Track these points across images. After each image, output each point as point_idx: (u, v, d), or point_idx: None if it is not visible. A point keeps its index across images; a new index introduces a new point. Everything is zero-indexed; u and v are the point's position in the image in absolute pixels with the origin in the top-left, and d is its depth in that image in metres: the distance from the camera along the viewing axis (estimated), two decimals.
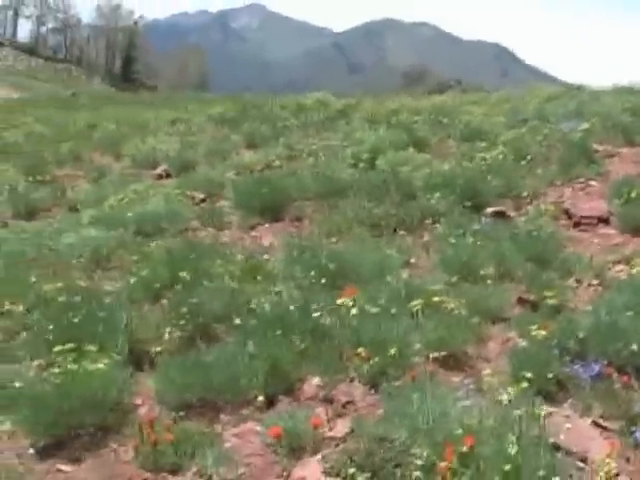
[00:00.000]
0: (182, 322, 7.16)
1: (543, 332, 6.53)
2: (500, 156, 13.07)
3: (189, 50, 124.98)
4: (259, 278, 8.35)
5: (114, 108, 29.71)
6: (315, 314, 6.91)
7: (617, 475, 4.69)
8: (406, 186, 11.56)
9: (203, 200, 12.94)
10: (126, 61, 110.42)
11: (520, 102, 20.47)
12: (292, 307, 7.05)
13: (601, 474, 4.64)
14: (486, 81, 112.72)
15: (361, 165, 13.19)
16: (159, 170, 15.99)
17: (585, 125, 14.42)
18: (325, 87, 29.73)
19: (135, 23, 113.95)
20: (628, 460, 5.02)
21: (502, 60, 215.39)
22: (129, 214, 11.25)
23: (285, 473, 5.07)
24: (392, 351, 6.18)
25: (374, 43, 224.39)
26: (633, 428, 5.30)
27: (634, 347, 6.06)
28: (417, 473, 4.58)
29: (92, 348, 6.30)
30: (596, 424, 5.41)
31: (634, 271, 8.16)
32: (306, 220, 11.24)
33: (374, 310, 6.95)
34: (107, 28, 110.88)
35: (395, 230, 10.25)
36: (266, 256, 9.34)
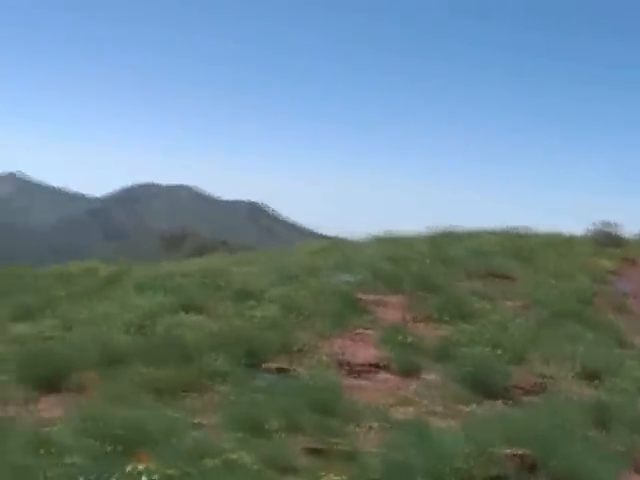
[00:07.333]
0: None
1: (336, 478, 6.76)
2: (269, 313, 13.46)
3: None
4: (49, 451, 8.05)
5: None
6: None
7: None
8: (184, 348, 11.66)
9: None
10: None
11: (288, 258, 21.14)
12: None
13: None
14: (249, 239, 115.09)
15: (138, 330, 13.15)
16: None
17: (354, 277, 15.19)
18: (81, 254, 28.85)
19: None
20: None
21: (259, 217, 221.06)
22: None
23: None
24: None
25: (132, 207, 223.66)
26: None
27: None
28: None
29: None
30: None
31: (411, 410, 8.67)
32: (89, 389, 10.99)
33: (170, 472, 6.93)
34: None
35: (180, 392, 10.27)
36: (52, 428, 9.04)
